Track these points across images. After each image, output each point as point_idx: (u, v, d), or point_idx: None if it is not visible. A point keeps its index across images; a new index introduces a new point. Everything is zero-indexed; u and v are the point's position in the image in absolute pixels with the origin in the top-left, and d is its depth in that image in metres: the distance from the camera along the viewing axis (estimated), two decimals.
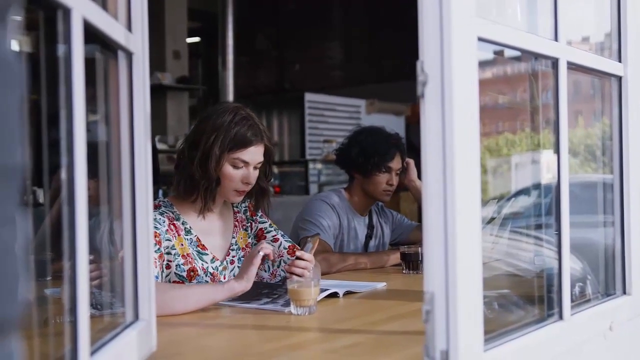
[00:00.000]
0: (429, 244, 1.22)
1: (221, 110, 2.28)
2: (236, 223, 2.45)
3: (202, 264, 2.28)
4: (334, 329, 1.83)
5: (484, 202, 1.33)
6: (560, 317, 1.57)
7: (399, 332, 1.78)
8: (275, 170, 8.04)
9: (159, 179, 4.91)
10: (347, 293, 2.27)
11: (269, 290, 2.23)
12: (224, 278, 2.33)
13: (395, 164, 3.12)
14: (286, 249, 2.43)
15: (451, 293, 1.20)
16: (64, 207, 1.05)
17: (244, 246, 2.44)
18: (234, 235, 2.42)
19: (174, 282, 2.21)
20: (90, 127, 1.17)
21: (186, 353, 1.66)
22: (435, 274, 1.21)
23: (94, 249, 1.13)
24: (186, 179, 2.27)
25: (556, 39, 1.57)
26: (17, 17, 0.64)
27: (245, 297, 2.09)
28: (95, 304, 1.35)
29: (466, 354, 1.21)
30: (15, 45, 0.64)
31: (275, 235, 2.47)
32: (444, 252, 1.21)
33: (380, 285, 2.44)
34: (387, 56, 9.39)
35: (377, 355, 1.56)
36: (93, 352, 1.13)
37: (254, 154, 2.27)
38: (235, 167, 2.25)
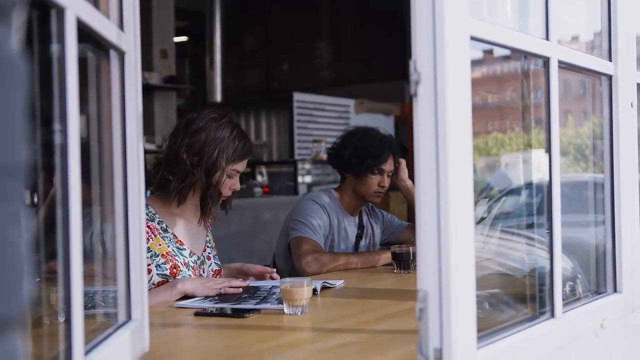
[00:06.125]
0: (422, 242, 1.22)
1: (216, 123, 2.38)
2: (208, 224, 2.58)
3: (183, 259, 2.38)
4: (327, 329, 1.83)
5: (475, 202, 1.33)
6: (552, 315, 1.58)
7: (392, 331, 1.78)
8: (264, 170, 8.04)
9: (146, 180, 4.92)
10: (324, 287, 2.33)
11: (251, 292, 2.23)
12: (203, 272, 2.46)
13: (388, 166, 3.12)
14: (213, 271, 2.55)
15: (445, 291, 1.20)
16: (57, 208, 1.04)
17: (214, 246, 2.60)
18: (208, 234, 2.56)
19: (157, 282, 2.25)
20: (82, 128, 1.17)
21: (178, 353, 1.65)
22: (428, 272, 1.21)
23: (84, 249, 1.13)
24: (188, 187, 2.36)
25: (547, 38, 1.58)
26: (20, 17, 0.64)
27: (234, 300, 2.10)
28: (86, 304, 1.34)
29: (459, 352, 1.21)
30: (18, 44, 0.64)
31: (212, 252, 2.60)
32: (437, 250, 1.21)
33: (339, 283, 2.46)
34: (376, 56, 9.41)
35: (370, 354, 1.56)
36: (87, 352, 1.12)
37: (245, 164, 2.47)
38: (229, 177, 2.41)
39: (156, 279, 2.28)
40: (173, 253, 2.35)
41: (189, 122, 2.40)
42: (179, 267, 2.34)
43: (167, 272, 2.31)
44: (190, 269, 2.38)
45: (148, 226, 2.31)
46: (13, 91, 0.61)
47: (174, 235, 2.39)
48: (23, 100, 0.63)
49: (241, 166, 2.43)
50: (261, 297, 2.14)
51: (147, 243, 2.27)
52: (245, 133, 2.47)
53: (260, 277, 2.52)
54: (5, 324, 0.61)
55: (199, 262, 2.45)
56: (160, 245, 2.33)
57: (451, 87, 1.21)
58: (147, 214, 2.34)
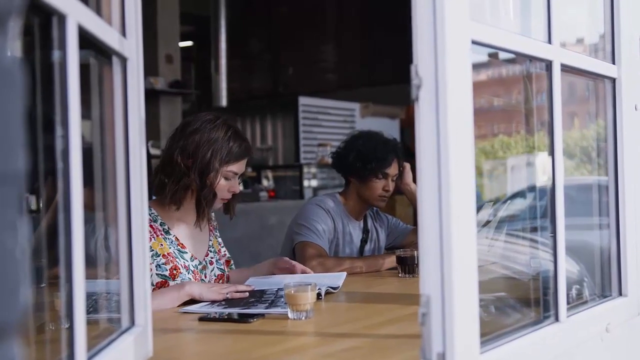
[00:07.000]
0: (424, 247, 1.22)
1: (211, 124, 2.39)
2: (211, 228, 2.58)
3: (184, 262, 2.38)
4: (331, 333, 1.82)
5: (480, 205, 1.33)
6: (557, 319, 1.57)
7: (396, 335, 1.77)
8: (270, 174, 8.04)
9: (150, 185, 4.94)
10: (327, 293, 2.32)
11: (258, 297, 2.22)
12: (205, 277, 2.46)
13: (392, 170, 3.11)
14: (215, 276, 2.54)
15: (447, 295, 1.20)
16: (59, 214, 1.04)
17: (218, 250, 2.58)
18: (210, 238, 2.56)
19: (157, 283, 2.26)
20: (85, 133, 1.17)
21: (182, 359, 1.65)
22: (431, 276, 1.21)
23: (88, 255, 1.13)
24: (182, 189, 2.36)
25: (550, 41, 1.58)
26: (17, 24, 0.65)
27: (242, 305, 2.09)
28: (89, 309, 1.34)
29: (462, 357, 1.21)
30: (15, 52, 0.64)
31: (223, 250, 2.63)
32: (439, 254, 1.21)
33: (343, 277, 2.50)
34: (381, 59, 9.40)
35: (375, 358, 1.56)
36: (90, 358, 1.12)
37: (243, 165, 2.45)
38: (226, 178, 2.40)
39: (155, 279, 2.29)
40: (174, 255, 2.36)
41: (185, 125, 2.42)
42: (179, 269, 2.34)
43: (167, 273, 2.31)
44: (190, 272, 2.38)
45: (151, 226, 2.33)
46: (10, 99, 0.61)
47: (176, 238, 2.40)
48: (20, 108, 0.63)
49: (237, 167, 2.41)
50: (269, 301, 2.13)
51: (149, 242, 2.28)
52: (242, 134, 2.45)
53: (290, 271, 2.55)
54: (3, 331, 0.61)
55: (200, 266, 2.45)
56: (162, 245, 2.34)
57: (452, 91, 1.20)
58: (149, 215, 2.35)
